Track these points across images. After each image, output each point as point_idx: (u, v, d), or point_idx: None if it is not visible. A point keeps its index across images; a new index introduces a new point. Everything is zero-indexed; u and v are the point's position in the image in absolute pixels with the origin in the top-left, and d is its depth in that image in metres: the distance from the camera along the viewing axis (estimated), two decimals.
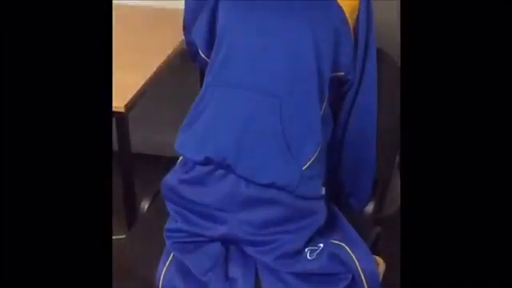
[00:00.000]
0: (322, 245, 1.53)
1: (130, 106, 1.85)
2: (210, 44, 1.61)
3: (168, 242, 1.57)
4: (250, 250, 1.54)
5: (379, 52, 1.62)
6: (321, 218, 1.56)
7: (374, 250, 1.63)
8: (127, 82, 1.86)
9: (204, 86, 1.59)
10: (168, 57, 2.05)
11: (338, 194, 1.68)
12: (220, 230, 1.55)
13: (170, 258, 1.55)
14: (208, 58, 1.63)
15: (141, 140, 2.27)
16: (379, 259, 1.58)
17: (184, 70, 2.21)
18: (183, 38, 1.78)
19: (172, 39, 2.06)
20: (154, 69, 1.97)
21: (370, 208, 1.69)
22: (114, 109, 1.75)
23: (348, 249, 1.53)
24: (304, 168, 1.51)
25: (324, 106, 1.55)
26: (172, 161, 1.68)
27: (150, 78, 1.94)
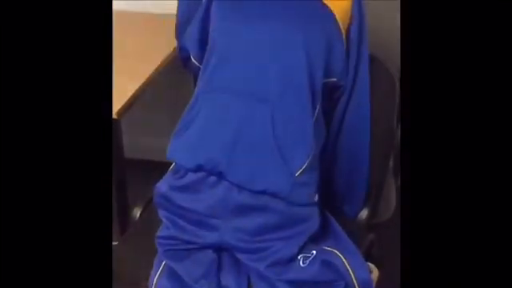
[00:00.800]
0: (314, 252, 1.52)
1: (123, 111, 1.84)
2: (201, 50, 1.61)
3: (160, 250, 1.56)
4: (242, 257, 1.53)
5: (371, 58, 1.61)
6: (314, 225, 1.55)
7: (368, 256, 1.62)
8: (120, 87, 1.85)
9: (196, 92, 1.58)
10: (162, 62, 2.04)
11: (331, 201, 1.67)
12: (212, 237, 1.54)
13: (161, 266, 1.54)
14: (200, 63, 1.62)
15: (134, 146, 2.26)
16: (372, 266, 1.57)
17: (178, 76, 2.20)
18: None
19: (166, 44, 2.06)
20: (148, 74, 1.97)
21: (363, 214, 1.68)
22: None
23: (341, 256, 1.52)
24: (296, 175, 1.50)
25: (316, 113, 1.54)
26: (165, 166, 1.67)
27: (143, 83, 1.94)
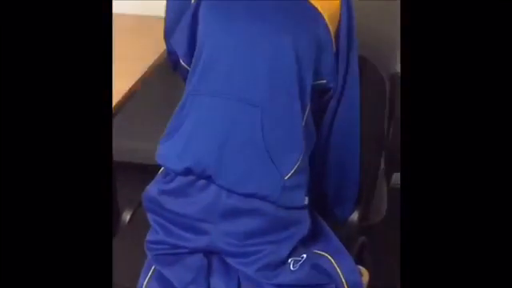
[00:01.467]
0: (305, 255, 1.51)
1: (114, 113, 1.83)
2: (190, 53, 1.59)
3: (149, 254, 1.55)
4: (232, 261, 1.52)
5: (361, 59, 1.60)
6: (304, 228, 1.54)
7: (359, 259, 1.61)
8: None
9: (184, 95, 1.57)
10: (151, 65, 2.03)
11: (322, 204, 1.66)
12: (202, 242, 1.52)
13: (151, 271, 1.53)
14: (189, 66, 1.61)
15: (123, 148, 2.25)
16: (363, 270, 1.56)
17: (168, 78, 2.19)
18: None
19: (157, 46, 2.04)
20: (137, 77, 1.95)
21: (354, 217, 1.67)
22: None
23: (332, 259, 1.52)
24: (286, 178, 1.49)
25: (306, 115, 1.52)
26: (155, 170, 1.66)
27: (133, 86, 1.92)
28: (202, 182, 1.52)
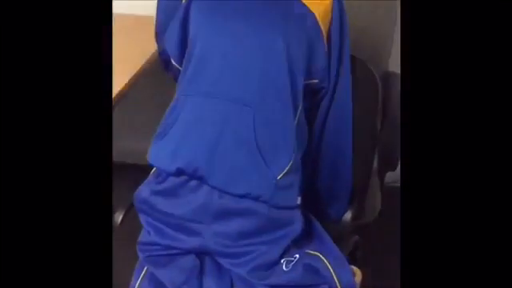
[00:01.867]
0: (298, 255, 1.50)
1: None
2: (181, 53, 1.59)
3: (141, 256, 1.54)
4: (224, 261, 1.51)
5: (354, 58, 1.60)
6: (297, 228, 1.53)
7: (352, 259, 1.61)
8: None
9: (176, 95, 1.57)
10: (144, 64, 2.02)
11: (314, 203, 1.65)
12: (194, 242, 1.52)
13: (143, 272, 1.52)
14: (180, 66, 1.60)
15: (115, 149, 2.24)
16: (356, 269, 1.55)
17: (161, 78, 2.18)
18: None
19: (148, 46, 2.03)
20: (129, 76, 1.94)
21: (347, 216, 1.67)
22: None
23: (324, 259, 1.51)
24: (279, 178, 1.49)
25: (298, 115, 1.52)
26: (147, 170, 1.65)
27: (125, 85, 1.91)
28: (193, 182, 1.51)
